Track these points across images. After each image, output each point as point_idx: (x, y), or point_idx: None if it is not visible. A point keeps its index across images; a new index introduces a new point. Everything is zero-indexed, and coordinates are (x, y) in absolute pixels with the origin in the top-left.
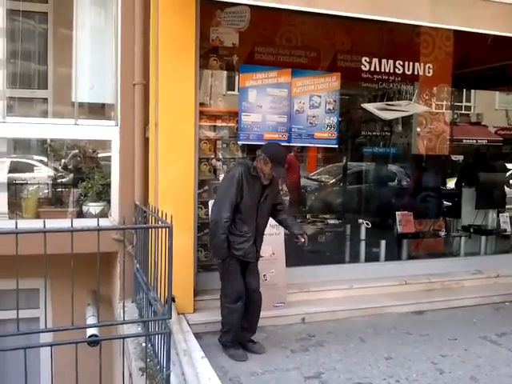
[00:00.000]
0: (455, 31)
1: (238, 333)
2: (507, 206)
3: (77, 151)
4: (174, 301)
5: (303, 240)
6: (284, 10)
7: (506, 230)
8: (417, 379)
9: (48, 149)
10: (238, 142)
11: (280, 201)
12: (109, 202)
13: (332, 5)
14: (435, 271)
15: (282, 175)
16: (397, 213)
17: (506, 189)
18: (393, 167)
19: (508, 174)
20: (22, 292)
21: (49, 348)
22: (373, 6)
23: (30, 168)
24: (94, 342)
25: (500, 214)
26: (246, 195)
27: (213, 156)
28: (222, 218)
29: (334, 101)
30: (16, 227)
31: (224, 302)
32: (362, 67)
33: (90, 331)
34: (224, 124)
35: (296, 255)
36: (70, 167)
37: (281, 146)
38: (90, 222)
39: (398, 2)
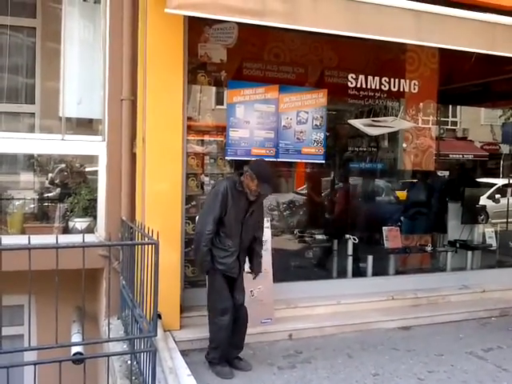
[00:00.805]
0: (440, 48)
1: (226, 349)
2: (493, 221)
3: (63, 166)
4: (160, 318)
5: (253, 277)
6: (271, 26)
7: (491, 245)
8: None
9: (35, 163)
10: (226, 158)
11: (261, 224)
12: (95, 217)
13: (315, 22)
14: (422, 286)
15: (267, 192)
16: (383, 228)
17: (492, 203)
18: (380, 182)
19: (493, 189)
20: (5, 309)
21: (32, 366)
22: (356, 23)
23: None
24: (78, 359)
25: (485, 229)
26: (231, 210)
27: (200, 171)
28: (205, 230)
29: (321, 117)
30: (0, 243)
31: (212, 318)
32: (349, 83)
33: (75, 349)
34: (212, 139)
35: (283, 271)
36: (56, 182)
37: (268, 163)
38: (76, 238)
39: (381, 19)
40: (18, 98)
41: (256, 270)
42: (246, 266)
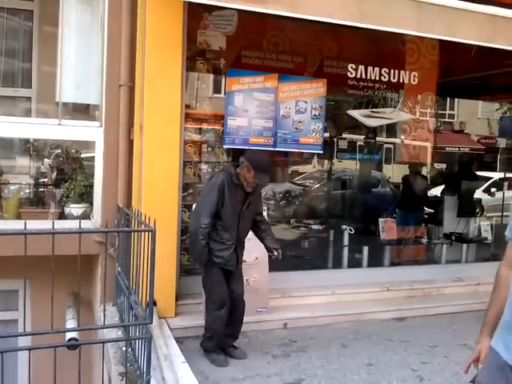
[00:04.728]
0: (440, 40)
1: (221, 339)
2: (488, 214)
3: (59, 151)
4: (155, 305)
5: (276, 254)
6: (271, 14)
7: (486, 238)
8: None
9: (31, 148)
10: (224, 146)
11: (260, 210)
12: (91, 203)
13: (316, 11)
14: (417, 278)
15: (264, 183)
16: (380, 219)
17: (487, 197)
18: (377, 173)
19: (488, 182)
20: (0, 293)
21: (27, 351)
22: (357, 13)
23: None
24: (73, 345)
25: (481, 223)
26: (228, 202)
27: (197, 159)
28: (202, 223)
29: (320, 107)
30: None
31: (209, 309)
32: (348, 74)
33: (70, 334)
34: (209, 127)
35: (279, 260)
36: (52, 167)
37: (263, 153)
38: (72, 224)
39: (383, 10)
40: (14, 82)
41: (274, 247)
42: (246, 255)
